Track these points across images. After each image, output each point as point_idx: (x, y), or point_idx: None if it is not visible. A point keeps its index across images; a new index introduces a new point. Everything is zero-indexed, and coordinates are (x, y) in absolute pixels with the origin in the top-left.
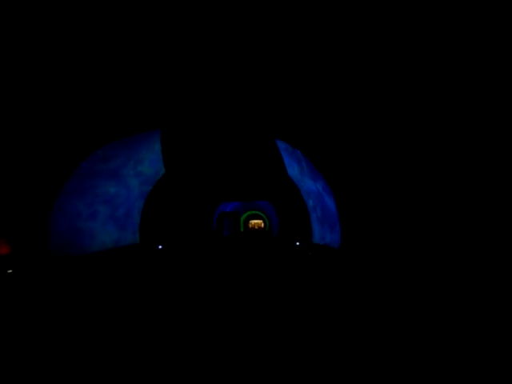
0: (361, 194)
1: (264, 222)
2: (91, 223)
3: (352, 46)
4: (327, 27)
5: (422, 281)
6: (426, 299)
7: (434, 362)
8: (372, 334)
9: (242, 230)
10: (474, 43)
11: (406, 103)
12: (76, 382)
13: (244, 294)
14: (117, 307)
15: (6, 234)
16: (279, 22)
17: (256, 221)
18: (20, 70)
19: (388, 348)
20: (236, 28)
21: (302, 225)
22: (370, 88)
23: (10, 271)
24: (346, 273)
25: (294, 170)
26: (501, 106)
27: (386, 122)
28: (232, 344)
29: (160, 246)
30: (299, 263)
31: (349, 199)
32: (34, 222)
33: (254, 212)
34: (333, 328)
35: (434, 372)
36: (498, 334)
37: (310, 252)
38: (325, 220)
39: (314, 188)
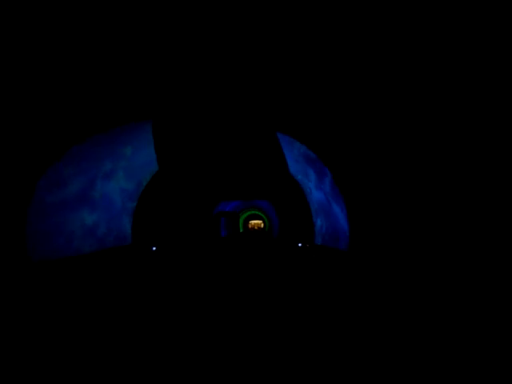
0: (372, 192)
1: (264, 222)
2: (74, 222)
3: (366, 32)
4: (337, 12)
5: (439, 288)
6: (446, 310)
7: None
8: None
9: (241, 230)
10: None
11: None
12: None
13: (244, 301)
14: (107, 318)
15: None
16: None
17: (256, 221)
18: None
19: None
20: (233, 12)
21: (303, 225)
22: (383, 82)
23: None
24: (354, 277)
25: (296, 167)
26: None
27: (400, 120)
28: (229, 362)
29: (154, 248)
30: (302, 266)
31: (358, 198)
32: (7, 224)
33: (253, 212)
34: (340, 343)
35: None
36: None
37: (314, 254)
38: (330, 219)
39: (319, 186)
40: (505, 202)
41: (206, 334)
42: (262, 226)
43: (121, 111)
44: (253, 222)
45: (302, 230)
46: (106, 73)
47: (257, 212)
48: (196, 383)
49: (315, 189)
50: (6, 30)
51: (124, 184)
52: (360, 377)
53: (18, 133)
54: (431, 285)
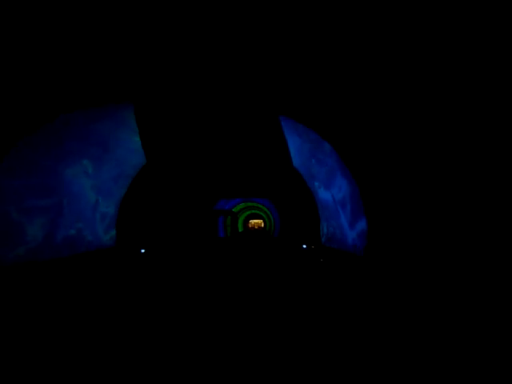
0: (398, 185)
1: (264, 221)
2: (33, 221)
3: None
4: None
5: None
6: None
7: None
8: None
9: (240, 230)
10: None
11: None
12: None
13: (243, 320)
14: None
15: None
16: None
17: (256, 220)
18: None
19: None
20: None
21: (308, 224)
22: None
23: None
24: (372, 290)
25: (301, 159)
26: None
27: (429, 106)
28: None
29: (143, 250)
30: (310, 275)
31: (383, 195)
32: None
33: (253, 211)
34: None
35: None
36: None
37: (322, 258)
38: (340, 218)
39: (328, 181)
40: None
41: (199, 355)
42: (263, 225)
43: (95, 89)
44: (253, 221)
45: (306, 230)
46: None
47: (257, 212)
48: None
49: (323, 184)
50: None
51: (99, 177)
52: None
53: None
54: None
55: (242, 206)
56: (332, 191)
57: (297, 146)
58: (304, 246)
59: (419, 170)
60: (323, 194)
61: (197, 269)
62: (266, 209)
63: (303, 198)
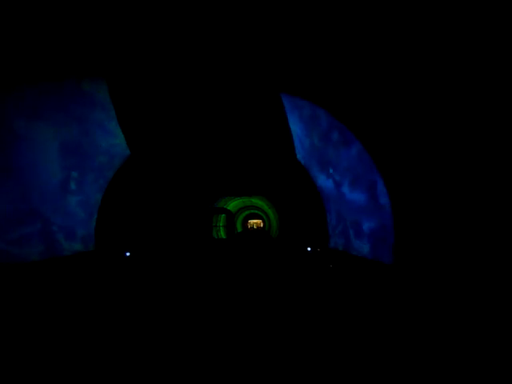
0: (438, 178)
1: (264, 221)
2: None
3: None
4: None
5: None
6: None
7: None
8: None
9: (238, 230)
10: None
11: None
12: None
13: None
14: None
15: None
16: None
17: (255, 220)
18: None
19: None
20: None
21: (313, 225)
22: None
23: None
24: (413, 309)
25: (306, 148)
26: None
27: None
28: None
29: (128, 253)
30: (320, 284)
31: (416, 191)
32: None
33: (253, 211)
34: None
35: None
36: None
37: (331, 263)
38: (354, 217)
39: (339, 171)
40: None
41: None
42: (262, 225)
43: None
44: (252, 221)
45: (310, 231)
46: None
47: (256, 211)
48: None
49: (334, 178)
50: None
51: (69, 167)
52: None
53: None
54: None
55: (236, 203)
56: (346, 187)
57: (302, 133)
58: (309, 249)
59: (468, 160)
60: (334, 191)
61: (188, 276)
62: (266, 208)
63: (307, 196)
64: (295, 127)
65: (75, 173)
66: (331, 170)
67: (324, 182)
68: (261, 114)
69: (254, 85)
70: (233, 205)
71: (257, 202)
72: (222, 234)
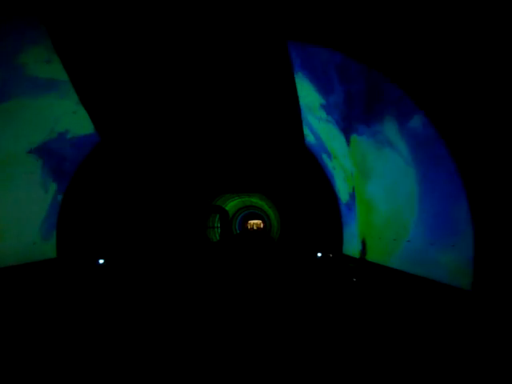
0: None
1: (264, 222)
2: None
3: None
4: None
5: None
6: None
7: None
8: None
9: (237, 231)
10: None
11: None
12: None
13: None
14: None
15: None
16: None
17: (255, 221)
18: None
19: None
20: None
21: (323, 225)
22: None
23: None
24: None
25: (322, 129)
26: None
27: None
28: None
29: (101, 261)
30: (344, 312)
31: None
32: None
33: (252, 210)
34: None
35: None
36: None
37: (355, 276)
38: (387, 216)
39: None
40: None
41: None
42: (262, 226)
43: None
44: (252, 221)
45: (319, 233)
46: None
47: (256, 211)
48: None
49: (366, 170)
50: None
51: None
52: None
53: None
54: None
55: (235, 203)
56: (385, 181)
57: (316, 110)
58: (319, 255)
59: None
60: (363, 186)
61: (175, 288)
62: (267, 207)
63: (316, 190)
64: (306, 100)
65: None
66: (361, 161)
67: (339, 176)
68: (259, 78)
69: (251, 32)
70: (232, 205)
71: (257, 201)
72: (218, 236)
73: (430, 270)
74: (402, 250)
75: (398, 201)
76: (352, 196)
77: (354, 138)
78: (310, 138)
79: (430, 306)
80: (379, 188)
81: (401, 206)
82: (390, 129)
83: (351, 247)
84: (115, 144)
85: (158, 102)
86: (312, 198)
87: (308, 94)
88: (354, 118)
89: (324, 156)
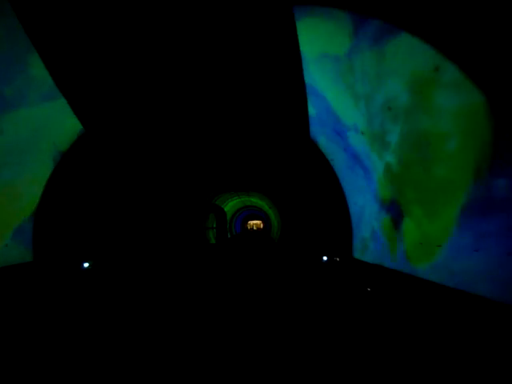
0: None
1: (264, 222)
2: None
3: None
4: None
5: None
6: None
7: None
8: None
9: (235, 232)
10: None
11: None
12: None
13: None
14: None
15: None
16: None
17: (255, 221)
18: None
19: None
20: None
21: (329, 225)
22: None
23: None
24: None
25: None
26: None
27: None
28: None
29: (86, 264)
30: (358, 330)
31: None
32: None
33: (250, 208)
34: None
35: None
36: None
37: (369, 285)
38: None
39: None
40: None
41: None
42: (262, 226)
43: None
44: (252, 222)
45: (324, 233)
46: None
47: (256, 211)
48: None
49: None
50: None
51: None
52: None
53: None
54: None
55: (234, 202)
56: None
57: (329, 89)
58: (325, 259)
59: None
60: (368, 174)
61: (165, 294)
62: (267, 207)
63: (319, 187)
64: (315, 76)
65: None
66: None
67: (353, 165)
68: (261, 59)
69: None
70: (231, 205)
71: (256, 201)
72: (213, 238)
73: (477, 284)
74: (440, 256)
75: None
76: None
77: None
78: (316, 124)
79: (479, 331)
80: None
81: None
82: None
83: (364, 252)
84: (102, 134)
85: (148, 85)
86: (315, 195)
87: (318, 67)
88: None
89: (334, 145)
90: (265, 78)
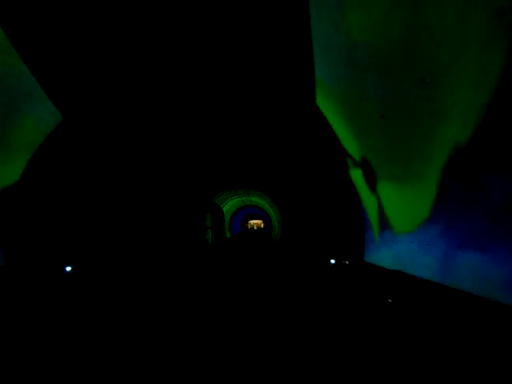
0: None
1: (264, 222)
2: None
3: None
4: None
5: None
6: None
7: None
8: None
9: (233, 232)
10: None
11: None
12: None
13: None
14: None
15: None
16: None
17: (255, 221)
18: None
19: None
20: None
21: (336, 221)
22: None
23: None
24: None
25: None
26: None
27: None
28: None
29: (69, 268)
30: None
31: None
32: None
33: (252, 210)
34: None
35: None
36: None
37: (389, 295)
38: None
39: None
40: None
41: None
42: (263, 226)
43: None
44: (252, 221)
45: (329, 233)
46: None
47: (256, 210)
48: None
49: None
50: None
51: None
52: None
53: None
54: None
55: (234, 202)
56: None
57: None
58: (332, 262)
59: None
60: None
61: (155, 303)
62: (268, 206)
63: (328, 183)
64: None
65: None
66: None
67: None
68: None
69: None
70: (231, 204)
71: (257, 200)
72: (209, 239)
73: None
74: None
75: None
76: None
77: None
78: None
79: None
80: None
81: None
82: None
83: (380, 254)
84: (84, 124)
85: (140, 70)
86: (321, 190)
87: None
88: None
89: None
90: (269, 65)
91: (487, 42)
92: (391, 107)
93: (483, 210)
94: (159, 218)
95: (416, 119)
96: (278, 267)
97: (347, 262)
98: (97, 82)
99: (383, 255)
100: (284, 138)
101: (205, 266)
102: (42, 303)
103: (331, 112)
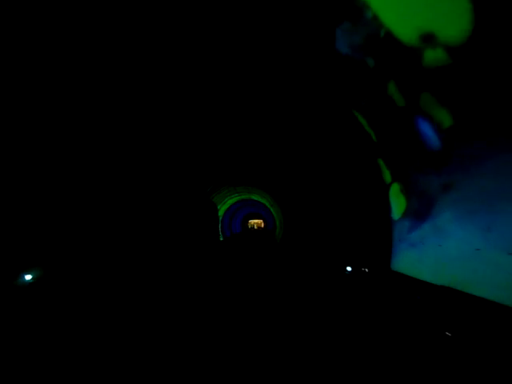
0: None
1: (265, 221)
2: None
3: None
4: None
5: None
6: None
7: None
8: None
9: (234, 231)
10: None
11: None
12: None
13: None
14: None
15: None
16: None
17: (256, 220)
18: None
19: None
20: None
21: (350, 221)
22: None
23: None
24: None
25: None
26: None
27: None
28: None
29: (29, 277)
30: None
31: None
32: None
33: (253, 209)
34: None
35: None
36: None
37: (449, 328)
38: None
39: None
40: None
41: None
42: (263, 225)
43: None
44: (252, 221)
45: (342, 232)
46: None
47: (257, 209)
48: None
49: None
50: None
51: None
52: None
53: None
54: None
55: (234, 200)
56: None
57: None
58: (349, 269)
59: None
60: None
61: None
62: (269, 205)
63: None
64: None
65: None
66: None
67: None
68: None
69: None
70: (231, 202)
71: (258, 199)
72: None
73: None
74: None
75: None
76: None
77: None
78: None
79: None
80: None
81: None
82: None
83: (418, 262)
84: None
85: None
86: (330, 184)
87: None
88: None
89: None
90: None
91: None
92: None
93: None
94: (145, 213)
95: None
96: (278, 274)
97: (367, 270)
98: (96, 72)
99: (420, 261)
100: (287, 133)
101: (192, 272)
102: None
103: None
